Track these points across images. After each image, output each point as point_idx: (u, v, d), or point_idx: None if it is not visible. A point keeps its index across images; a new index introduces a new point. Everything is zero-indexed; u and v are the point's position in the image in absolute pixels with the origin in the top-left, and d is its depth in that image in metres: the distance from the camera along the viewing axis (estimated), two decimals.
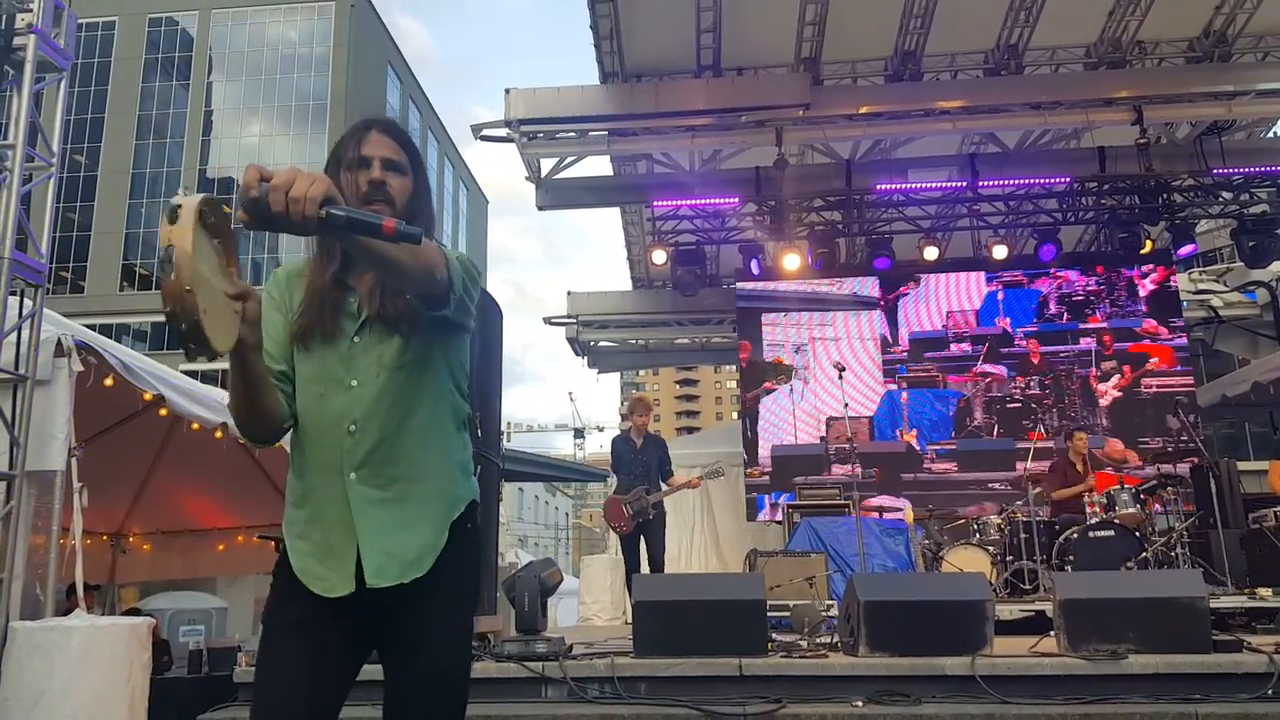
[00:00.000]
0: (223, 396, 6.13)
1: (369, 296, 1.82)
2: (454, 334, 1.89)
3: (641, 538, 7.58)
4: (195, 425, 5.93)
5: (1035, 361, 11.59)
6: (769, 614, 5.19)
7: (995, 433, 11.39)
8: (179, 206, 1.41)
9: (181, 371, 6.50)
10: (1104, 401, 11.46)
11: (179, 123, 41.22)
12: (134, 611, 7.70)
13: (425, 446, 1.83)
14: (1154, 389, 11.44)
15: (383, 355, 1.81)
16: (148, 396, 5.45)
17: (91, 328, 5.55)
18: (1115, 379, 11.52)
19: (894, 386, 11.69)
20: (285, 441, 1.94)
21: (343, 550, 1.77)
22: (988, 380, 11.56)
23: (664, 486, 7.73)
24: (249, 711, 1.81)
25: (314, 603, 1.77)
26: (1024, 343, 11.69)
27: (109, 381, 5.12)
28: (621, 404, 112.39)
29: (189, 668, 5.70)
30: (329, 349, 1.82)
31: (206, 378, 8.25)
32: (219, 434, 6.12)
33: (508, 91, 10.79)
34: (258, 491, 8.11)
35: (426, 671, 1.78)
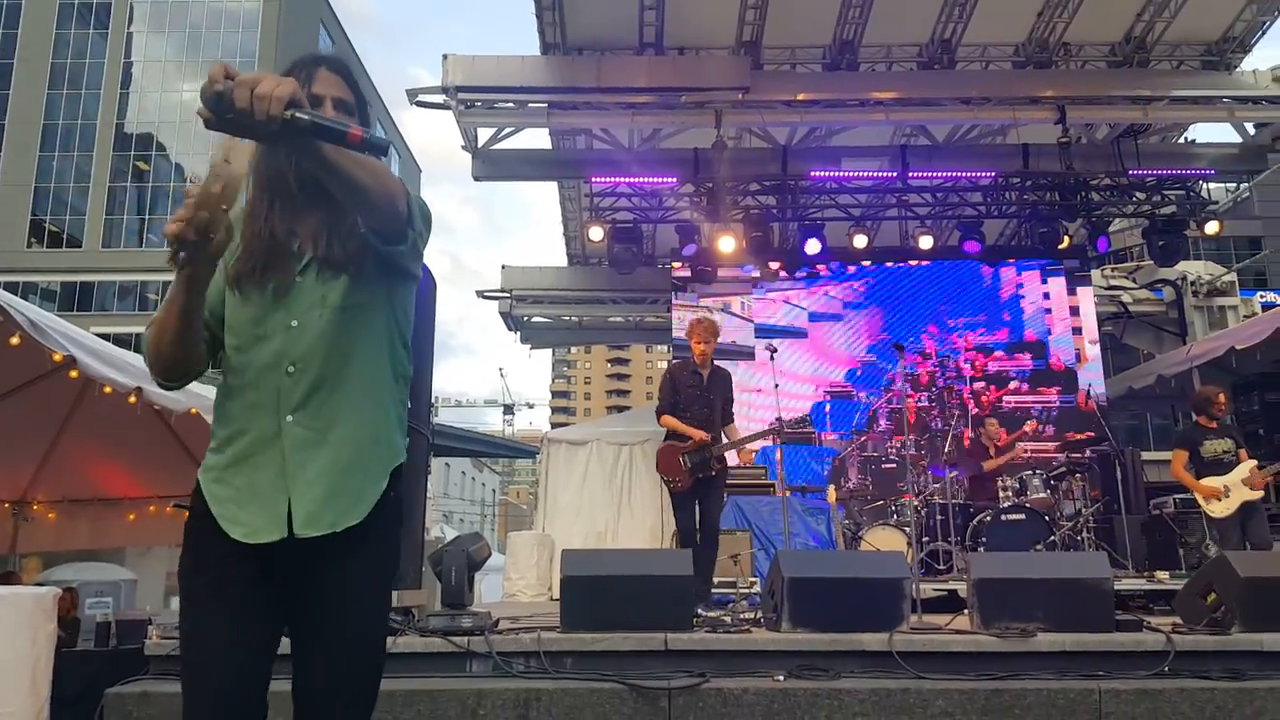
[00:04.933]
0: (137, 360, 5.89)
1: (314, 239, 1.77)
2: (401, 280, 1.85)
3: (697, 499, 6.16)
4: (107, 389, 5.69)
5: (912, 420, 10.84)
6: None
7: (870, 493, 10.46)
8: None
9: (93, 333, 6.24)
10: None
11: (95, 73, 39.37)
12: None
13: (365, 392, 1.79)
14: (1028, 453, 10.94)
15: (326, 295, 1.76)
16: (58, 357, 5.21)
17: None
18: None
19: (767, 442, 10.87)
20: (202, 409, 1.88)
21: (271, 495, 1.70)
22: (863, 438, 11.19)
23: (724, 438, 6.22)
24: (180, 684, 1.72)
25: (232, 561, 1.70)
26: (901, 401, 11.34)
27: (15, 340, 4.89)
28: (552, 380, 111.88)
29: (96, 640, 5.50)
30: (267, 290, 1.76)
31: (120, 341, 7.94)
32: (133, 399, 5.89)
33: (446, 57, 10.59)
34: (172, 460, 7.85)
35: (342, 639, 1.72)
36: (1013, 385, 11.79)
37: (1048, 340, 12.05)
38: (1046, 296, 12.19)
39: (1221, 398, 7.48)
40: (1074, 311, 12.10)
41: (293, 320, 1.75)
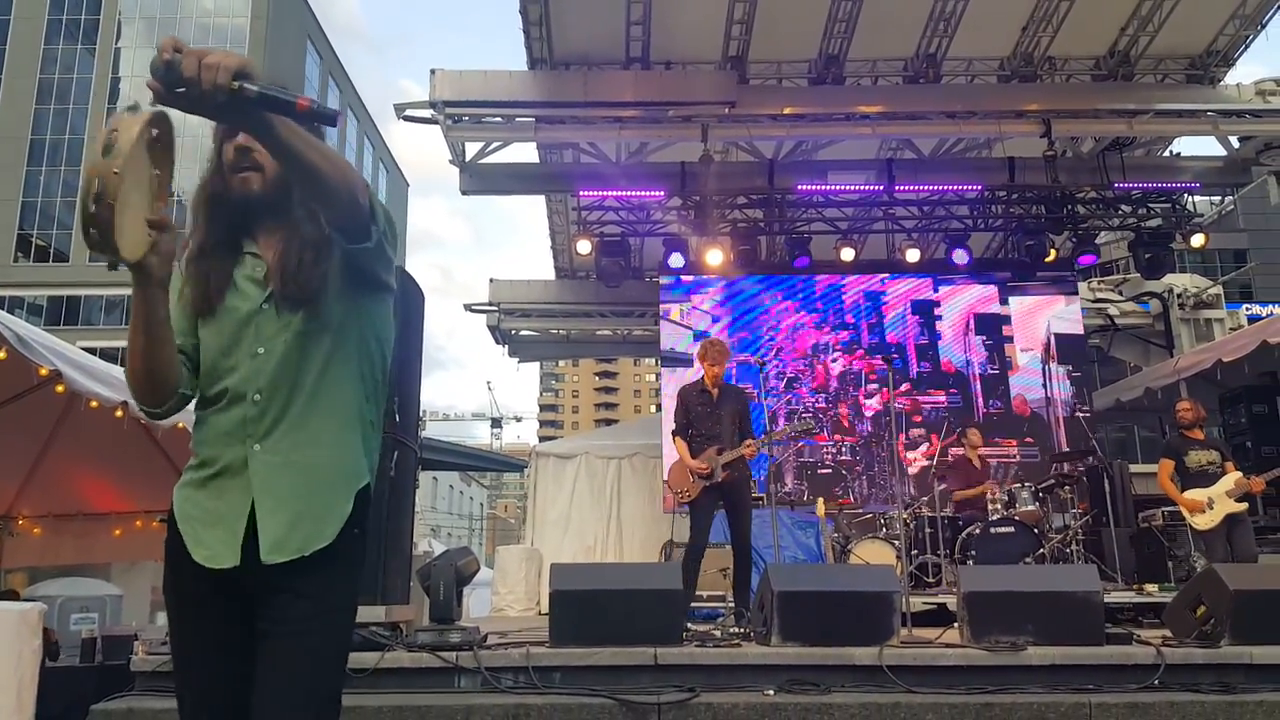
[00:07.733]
0: (123, 374, 5.85)
1: (276, 269, 1.76)
2: (371, 294, 1.84)
3: (720, 510, 6.30)
4: (94, 403, 5.66)
5: (846, 425, 11.35)
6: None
7: (806, 498, 10.68)
8: (137, 106, 1.47)
9: (80, 348, 6.20)
10: (912, 470, 11.20)
11: (83, 88, 39.30)
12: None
13: (331, 417, 1.78)
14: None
15: (291, 321, 1.75)
16: (44, 372, 5.18)
17: None
18: (923, 447, 11.40)
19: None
20: (189, 423, 1.87)
21: (232, 520, 1.69)
22: (799, 444, 11.04)
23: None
24: (175, 698, 1.74)
25: (204, 580, 1.70)
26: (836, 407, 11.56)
27: (1, 355, 4.86)
28: (540, 394, 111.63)
29: (81, 656, 5.45)
30: (234, 316, 1.76)
31: (106, 355, 7.89)
32: (119, 413, 5.85)
33: (433, 72, 10.60)
34: (158, 474, 7.78)
35: (295, 669, 1.65)
36: (905, 387, 11.73)
37: (908, 343, 12.04)
38: (935, 305, 12.19)
39: (1182, 406, 7.60)
40: (1004, 320, 12.07)
41: (259, 348, 1.75)
